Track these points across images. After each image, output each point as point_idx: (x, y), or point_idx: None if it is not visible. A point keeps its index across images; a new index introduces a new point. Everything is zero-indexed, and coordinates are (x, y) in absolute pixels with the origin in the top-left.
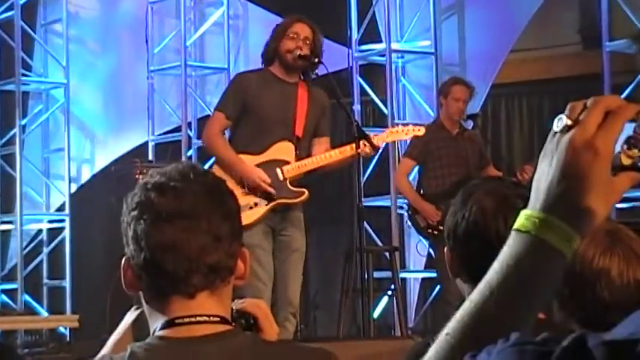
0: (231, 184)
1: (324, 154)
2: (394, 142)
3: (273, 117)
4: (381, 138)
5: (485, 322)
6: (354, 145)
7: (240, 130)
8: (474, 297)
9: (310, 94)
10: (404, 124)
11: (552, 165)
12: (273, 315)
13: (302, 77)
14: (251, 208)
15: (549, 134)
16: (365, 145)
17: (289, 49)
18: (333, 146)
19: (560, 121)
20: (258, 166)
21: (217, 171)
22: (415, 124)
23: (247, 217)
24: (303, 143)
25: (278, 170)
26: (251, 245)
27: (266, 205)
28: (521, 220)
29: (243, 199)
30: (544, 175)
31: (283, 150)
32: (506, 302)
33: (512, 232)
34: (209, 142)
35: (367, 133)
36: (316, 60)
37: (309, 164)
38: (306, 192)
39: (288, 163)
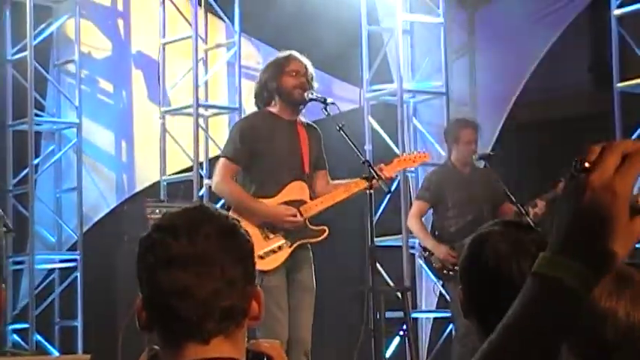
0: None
1: (339, 190)
2: (404, 169)
3: (283, 158)
4: (390, 168)
5: None
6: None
7: (250, 175)
8: (492, 338)
9: (307, 131)
10: (409, 153)
11: (571, 207)
12: (286, 354)
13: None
14: (274, 252)
15: (567, 177)
16: (377, 181)
17: (293, 85)
18: (337, 179)
19: (579, 164)
20: None
21: (233, 217)
22: (421, 152)
23: (272, 262)
24: (311, 180)
25: (296, 209)
26: (272, 287)
27: (289, 247)
28: (540, 261)
29: (265, 244)
30: (563, 217)
31: (297, 190)
32: (524, 343)
33: (531, 274)
34: (221, 189)
35: (378, 167)
36: (329, 101)
37: (326, 201)
38: (327, 230)
39: (304, 202)
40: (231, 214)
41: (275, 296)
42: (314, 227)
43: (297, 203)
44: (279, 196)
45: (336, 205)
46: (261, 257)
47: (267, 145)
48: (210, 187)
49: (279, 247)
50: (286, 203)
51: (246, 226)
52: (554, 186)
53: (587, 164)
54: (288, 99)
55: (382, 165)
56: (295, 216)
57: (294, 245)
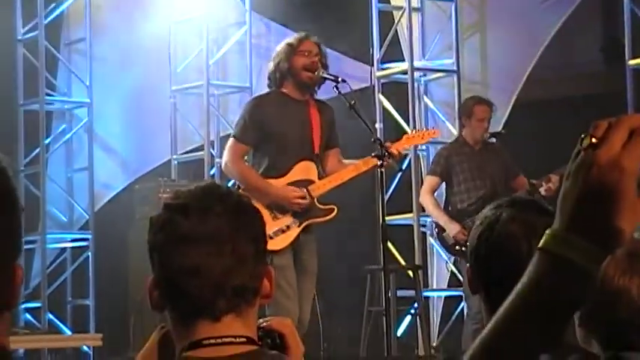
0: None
1: (348, 169)
2: (415, 147)
3: (292, 138)
4: (399, 144)
5: (510, 341)
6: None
7: (260, 155)
8: (498, 316)
9: (319, 110)
10: (419, 130)
11: (577, 184)
12: None
13: (311, 95)
14: (283, 231)
15: (574, 153)
16: (388, 159)
17: (304, 65)
18: (349, 157)
19: (585, 140)
20: None
21: None
22: (430, 129)
23: (281, 241)
24: (321, 160)
25: (304, 190)
26: (282, 266)
27: (298, 226)
28: (546, 238)
29: (274, 224)
30: (569, 193)
31: (306, 169)
32: (531, 321)
33: (537, 252)
34: (231, 169)
35: (388, 145)
36: (340, 79)
37: (334, 180)
38: (335, 209)
39: (312, 182)
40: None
41: (285, 274)
42: (322, 206)
43: (306, 183)
44: (288, 175)
45: (345, 183)
46: (270, 237)
47: (277, 124)
48: (221, 165)
49: (288, 227)
50: (294, 183)
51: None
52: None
53: (593, 140)
54: (296, 79)
55: (389, 143)
56: (304, 197)
57: (303, 224)
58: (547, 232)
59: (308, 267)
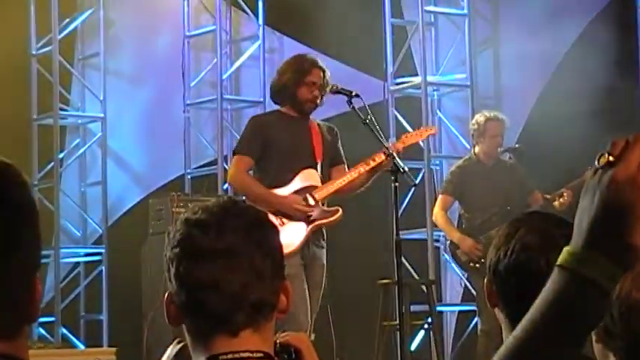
0: None
1: (352, 171)
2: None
3: (293, 148)
4: (400, 143)
5: (529, 357)
6: (376, 156)
7: (263, 167)
8: (517, 333)
9: (320, 128)
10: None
11: (594, 201)
12: None
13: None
14: (291, 235)
15: (590, 170)
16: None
17: (307, 98)
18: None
19: (602, 158)
20: None
21: None
22: (428, 127)
23: (290, 245)
24: (323, 168)
25: (308, 196)
26: (291, 276)
27: (305, 228)
28: (564, 256)
29: (281, 230)
30: (586, 211)
31: (308, 176)
32: (548, 338)
33: (555, 269)
34: (235, 181)
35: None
36: (354, 93)
37: (337, 183)
38: (341, 210)
39: (315, 187)
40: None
41: (296, 285)
42: (327, 208)
43: (310, 189)
44: (291, 185)
45: (348, 191)
46: None
47: (278, 135)
48: None
49: (296, 229)
50: (299, 190)
51: None
52: (580, 176)
53: (611, 158)
54: (300, 108)
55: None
56: (306, 204)
57: (310, 226)
58: (565, 249)
59: (315, 279)
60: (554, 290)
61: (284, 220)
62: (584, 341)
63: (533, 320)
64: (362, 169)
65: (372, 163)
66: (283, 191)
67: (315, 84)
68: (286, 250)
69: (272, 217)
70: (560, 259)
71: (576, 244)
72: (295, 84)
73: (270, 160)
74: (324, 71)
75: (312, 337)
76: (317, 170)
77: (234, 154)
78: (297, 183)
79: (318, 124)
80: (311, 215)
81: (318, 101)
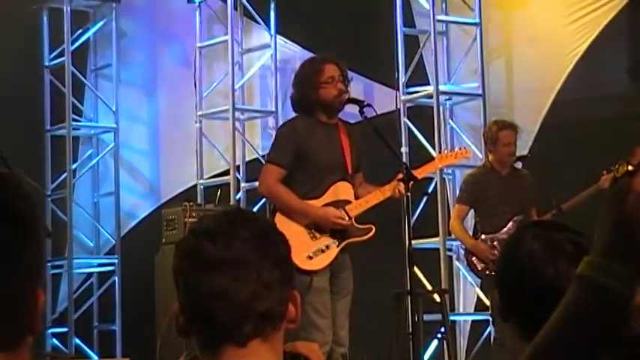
0: (298, 230)
1: (380, 190)
2: (441, 170)
3: (326, 160)
4: (432, 166)
5: None
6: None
7: (296, 177)
8: (538, 341)
9: (348, 132)
10: (450, 151)
11: (614, 211)
12: (325, 355)
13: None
14: (323, 251)
15: (610, 178)
16: (414, 184)
17: (333, 95)
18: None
19: (621, 168)
20: None
21: (280, 219)
22: (462, 149)
23: (320, 262)
24: (353, 180)
25: (342, 210)
26: (320, 289)
27: (337, 246)
28: (583, 265)
29: (314, 244)
30: (606, 220)
31: (342, 190)
32: (570, 346)
33: (576, 277)
34: (270, 192)
35: (414, 172)
36: (366, 103)
37: (371, 200)
38: (373, 228)
39: (349, 202)
40: (277, 216)
41: (323, 297)
42: (360, 226)
43: (343, 203)
44: (325, 196)
45: (380, 204)
46: (310, 257)
47: (311, 147)
48: (246, 190)
49: (327, 247)
50: (332, 203)
51: (293, 227)
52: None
53: (630, 167)
54: (331, 108)
55: (421, 169)
56: (343, 218)
57: (342, 244)
58: (584, 258)
59: (345, 286)
60: (574, 299)
61: (316, 234)
62: (604, 349)
63: (553, 328)
64: (389, 190)
65: (401, 192)
66: (316, 204)
67: (334, 77)
68: (318, 266)
69: (304, 232)
70: (580, 268)
71: (597, 252)
72: (314, 88)
73: (303, 171)
74: (337, 63)
75: (343, 350)
76: (349, 183)
77: (267, 162)
78: (330, 196)
79: (344, 126)
80: (346, 231)
81: (344, 94)
